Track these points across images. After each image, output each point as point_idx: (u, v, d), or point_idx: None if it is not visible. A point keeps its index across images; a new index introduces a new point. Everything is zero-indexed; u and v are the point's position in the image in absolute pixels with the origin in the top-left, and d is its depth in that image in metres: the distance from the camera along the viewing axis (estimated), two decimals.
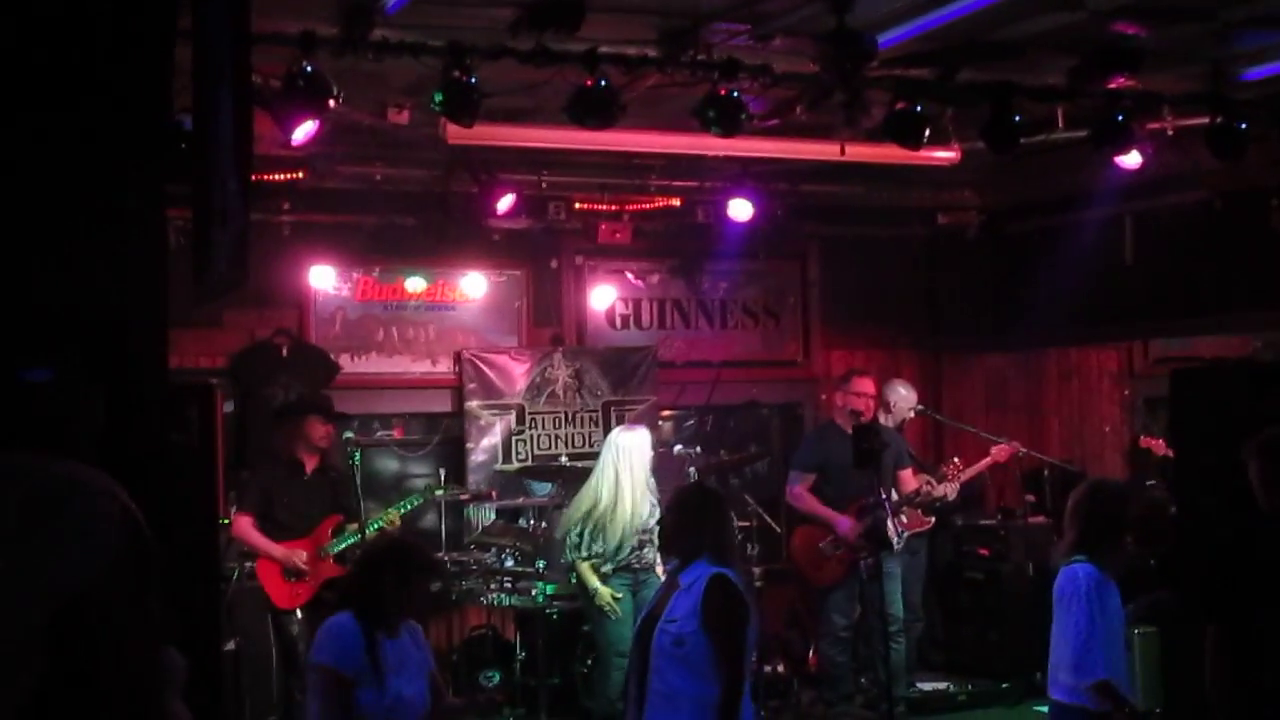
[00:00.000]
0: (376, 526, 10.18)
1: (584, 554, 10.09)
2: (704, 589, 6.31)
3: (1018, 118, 9.03)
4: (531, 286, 13.28)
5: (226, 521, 10.58)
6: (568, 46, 8.02)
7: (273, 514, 10.31)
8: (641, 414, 12.82)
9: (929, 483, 11.33)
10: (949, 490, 11.53)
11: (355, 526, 10.21)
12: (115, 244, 4.59)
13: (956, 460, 11.45)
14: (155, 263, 4.74)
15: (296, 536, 10.29)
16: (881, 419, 11.68)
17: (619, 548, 9.94)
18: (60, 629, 1.55)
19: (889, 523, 10.71)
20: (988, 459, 11.78)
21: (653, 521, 9.77)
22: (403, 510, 10.56)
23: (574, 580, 10.39)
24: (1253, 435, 6.43)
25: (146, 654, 1.68)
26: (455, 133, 8.97)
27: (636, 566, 10.04)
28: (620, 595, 9.99)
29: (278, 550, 10.20)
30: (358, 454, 10.33)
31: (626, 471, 10.01)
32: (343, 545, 10.27)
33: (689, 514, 6.70)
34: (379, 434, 12.60)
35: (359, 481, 10.41)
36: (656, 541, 8.69)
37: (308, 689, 6.15)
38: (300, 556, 10.18)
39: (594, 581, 10.06)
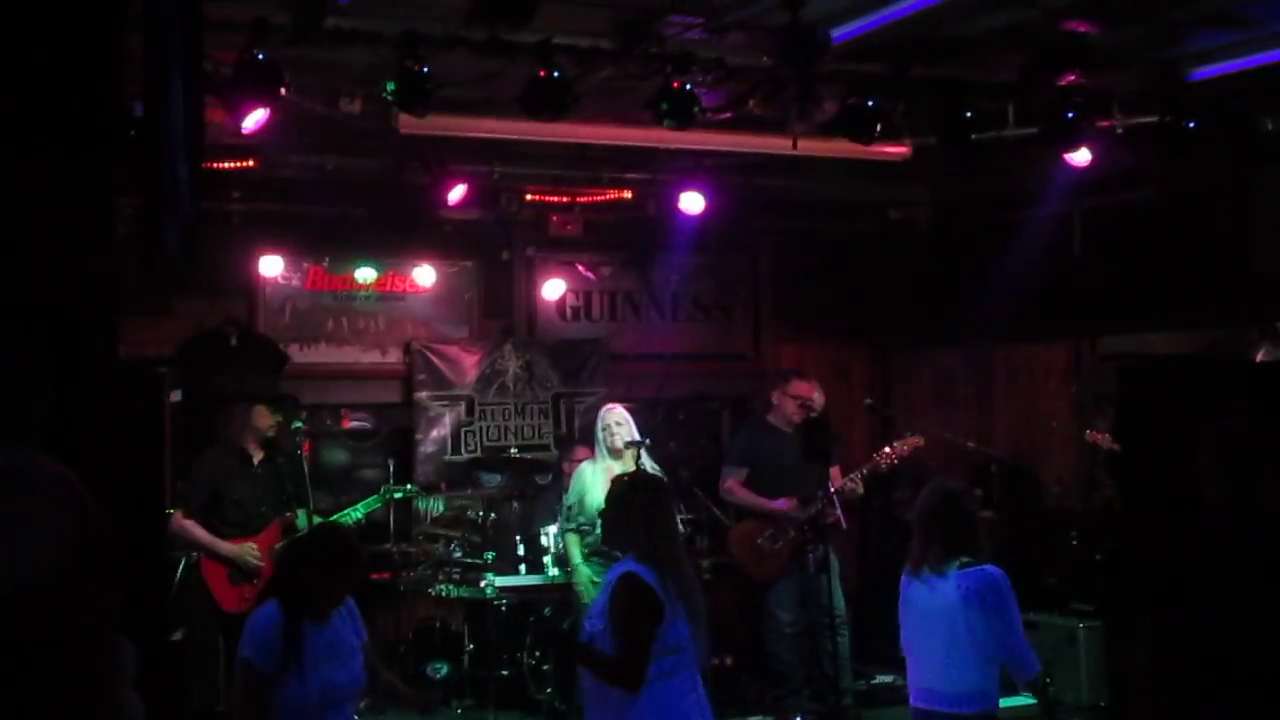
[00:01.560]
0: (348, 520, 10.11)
1: (571, 522, 10.14)
2: (611, 588, 6.30)
3: (969, 114, 9.08)
4: (482, 277, 13.27)
5: (173, 511, 10.51)
6: (521, 38, 8.01)
7: (220, 510, 10.06)
8: (591, 406, 12.82)
9: (852, 478, 11.20)
10: (848, 483, 11.31)
11: (305, 517, 10.04)
12: (64, 230, 4.56)
13: (888, 449, 11.30)
14: (104, 249, 4.71)
15: (246, 534, 10.07)
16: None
17: (594, 524, 9.89)
18: (9, 620, 1.53)
19: (836, 510, 10.70)
20: (888, 454, 11.47)
21: None
22: (358, 515, 10.47)
23: (524, 570, 10.41)
24: (1202, 429, 6.48)
25: (99, 644, 1.67)
26: (407, 123, 8.94)
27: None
28: (598, 581, 9.97)
29: (227, 547, 9.95)
30: (303, 444, 10.23)
31: (601, 446, 10.07)
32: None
33: (617, 509, 6.62)
34: (328, 424, 12.54)
35: (307, 472, 10.32)
36: None
37: (238, 680, 6.09)
38: (252, 551, 9.96)
39: (576, 557, 10.10)
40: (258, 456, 10.25)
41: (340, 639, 6.17)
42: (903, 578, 6.83)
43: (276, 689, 5.87)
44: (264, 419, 10.25)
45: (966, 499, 7.03)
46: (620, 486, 6.87)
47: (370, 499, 10.68)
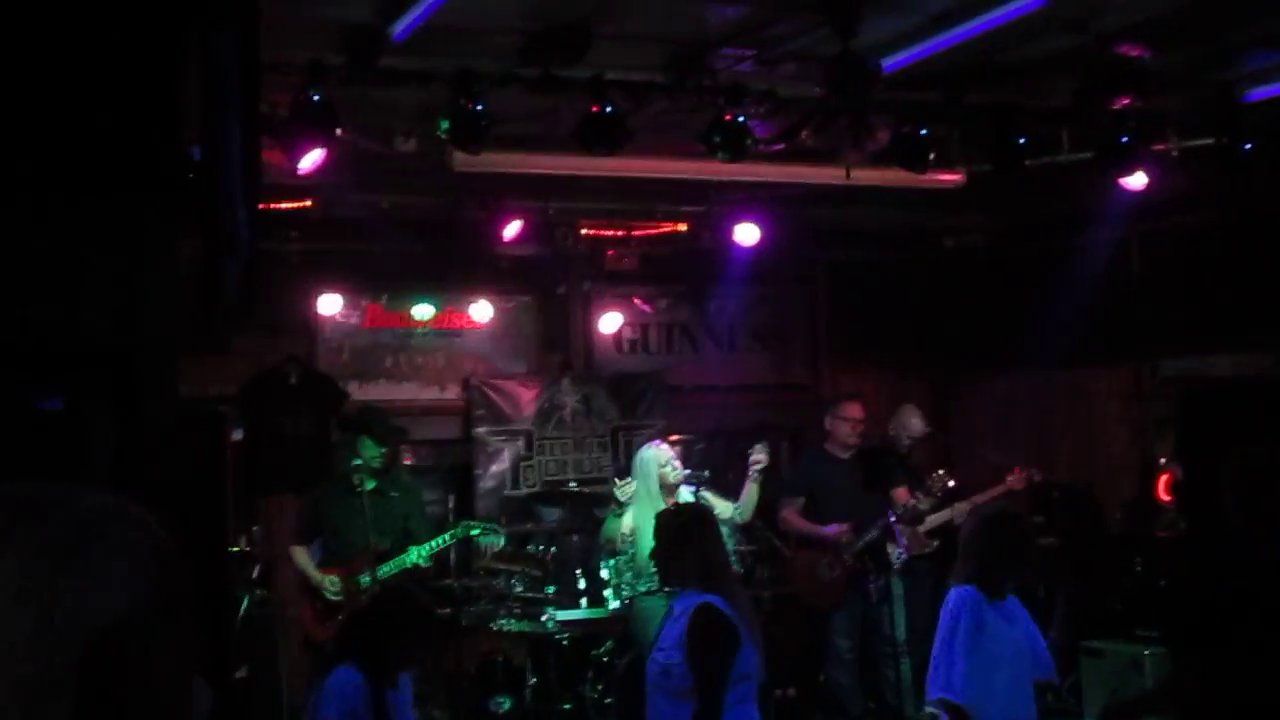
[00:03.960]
0: (411, 561, 10.12)
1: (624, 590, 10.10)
2: (689, 619, 6.30)
3: (1023, 139, 9.06)
4: (539, 312, 13.31)
5: (236, 549, 10.59)
6: (574, 74, 8.06)
7: (325, 538, 10.25)
8: (650, 440, 12.82)
9: (916, 497, 11.19)
10: (955, 515, 11.46)
11: (415, 553, 10.12)
12: (126, 274, 4.62)
13: (941, 472, 11.28)
14: (167, 292, 4.77)
15: (337, 563, 10.14)
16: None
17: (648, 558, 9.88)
18: (93, 662, 1.56)
19: (896, 537, 10.65)
20: (1002, 486, 11.63)
21: None
22: (435, 549, 10.48)
23: (586, 604, 10.39)
24: (1227, 455, 6.44)
25: (179, 685, 1.70)
26: (462, 160, 8.99)
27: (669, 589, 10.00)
28: (655, 616, 9.94)
29: (313, 574, 10.10)
30: (369, 481, 10.22)
31: (642, 483, 10.02)
32: (379, 575, 10.06)
33: (671, 541, 6.67)
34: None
35: (423, 505, 10.57)
36: None
37: None
38: (332, 583, 10.00)
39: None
40: (368, 487, 10.19)
41: (405, 699, 6.27)
42: (972, 594, 6.81)
43: None
44: (370, 449, 10.23)
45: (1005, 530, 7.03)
46: (671, 519, 6.91)
47: (444, 534, 10.64)
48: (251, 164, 4.66)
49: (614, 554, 10.30)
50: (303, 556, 10.16)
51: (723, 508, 9.88)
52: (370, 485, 10.18)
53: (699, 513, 7.42)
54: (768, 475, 13.15)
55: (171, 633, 1.65)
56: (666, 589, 7.11)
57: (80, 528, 1.59)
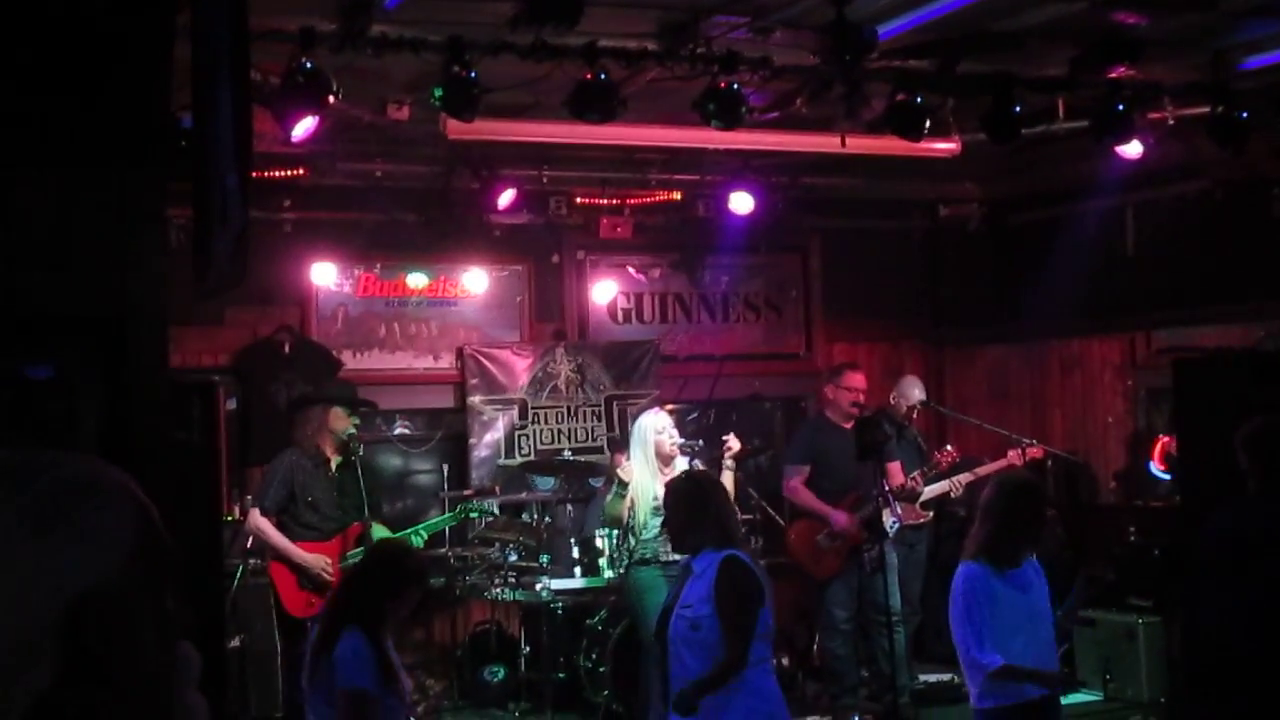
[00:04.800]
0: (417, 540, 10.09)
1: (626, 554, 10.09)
2: (716, 571, 6.37)
3: (1018, 108, 9.04)
4: (533, 281, 13.28)
5: (230, 519, 10.53)
6: (567, 41, 8.02)
7: (295, 511, 9.85)
8: (644, 409, 12.80)
9: (914, 478, 11.27)
10: (952, 488, 11.52)
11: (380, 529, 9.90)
12: (116, 242, 4.60)
13: (949, 448, 11.39)
14: (156, 260, 4.75)
15: (318, 539, 9.87)
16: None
17: (644, 526, 9.86)
18: (73, 627, 1.56)
19: (885, 513, 10.66)
20: (1003, 461, 11.65)
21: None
22: (434, 529, 10.44)
23: (580, 574, 10.41)
24: (1239, 425, 6.46)
25: (162, 650, 1.69)
26: (456, 128, 8.96)
27: (668, 560, 9.98)
28: (650, 586, 9.94)
29: (301, 555, 9.73)
30: (360, 448, 10.13)
31: (639, 450, 9.97)
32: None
33: (685, 507, 6.79)
34: (382, 430, 12.55)
35: (379, 480, 10.39)
36: None
37: (342, 712, 6.16)
38: (325, 564, 9.74)
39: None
40: (335, 461, 10.02)
41: (394, 652, 6.34)
42: (979, 570, 6.84)
43: (380, 711, 6.05)
44: (340, 421, 10.03)
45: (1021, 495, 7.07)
46: (684, 484, 7.01)
47: (445, 516, 10.61)
48: (243, 131, 4.63)
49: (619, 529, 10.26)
50: (271, 530, 9.84)
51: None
52: (339, 460, 10.05)
53: (712, 479, 7.54)
54: (768, 444, 13.21)
55: (154, 598, 1.64)
56: (680, 554, 7.15)
57: (62, 494, 1.58)
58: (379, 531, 9.80)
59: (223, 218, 4.46)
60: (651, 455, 9.90)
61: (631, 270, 13.71)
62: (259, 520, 9.86)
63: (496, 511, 11.51)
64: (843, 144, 9.95)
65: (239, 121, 4.68)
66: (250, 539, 10.42)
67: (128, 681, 1.59)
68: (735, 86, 8.34)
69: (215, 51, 4.73)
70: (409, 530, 10.22)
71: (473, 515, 10.95)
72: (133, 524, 1.64)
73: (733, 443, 9.95)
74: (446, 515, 10.61)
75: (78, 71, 4.57)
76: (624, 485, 9.99)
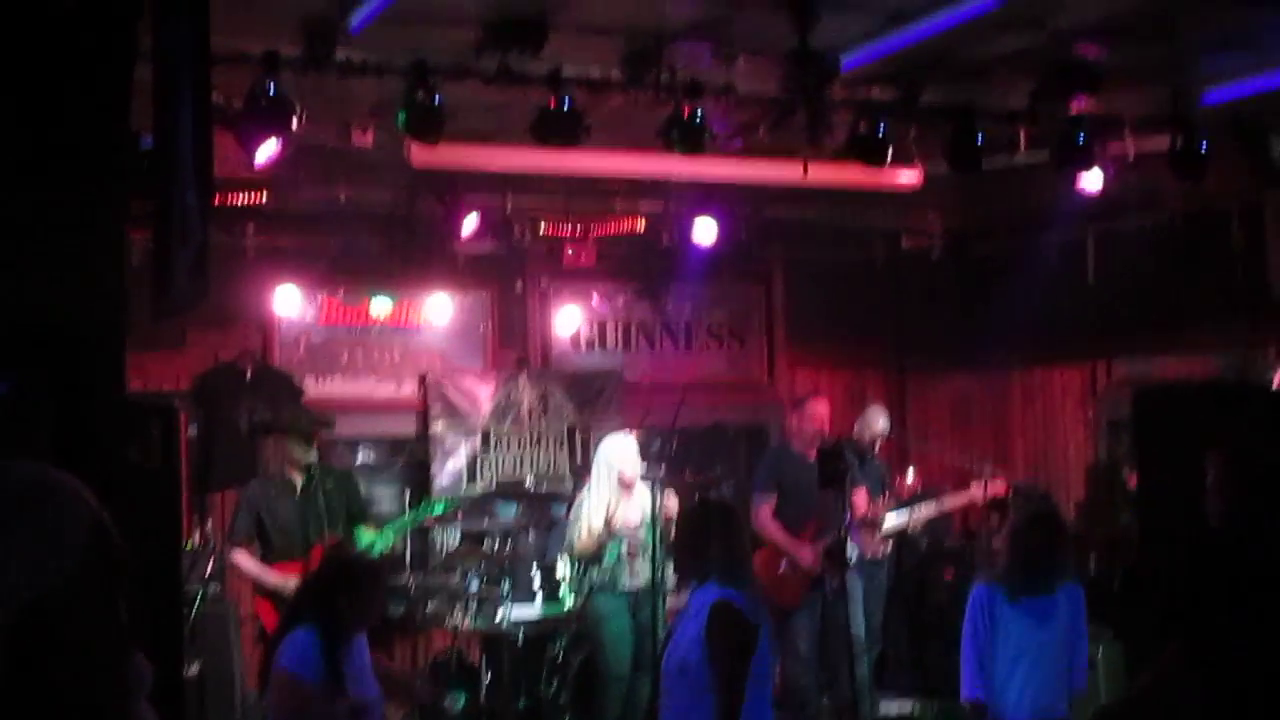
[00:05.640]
0: (379, 549, 10.02)
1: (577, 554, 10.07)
2: (706, 617, 6.24)
3: (980, 139, 9.08)
4: (497, 309, 13.27)
5: (190, 545, 10.50)
6: (531, 67, 8.04)
7: (265, 537, 9.92)
8: (610, 433, 12.78)
9: (876, 506, 11.27)
10: (913, 521, 11.52)
11: (365, 535, 9.96)
12: (74, 260, 4.57)
13: (910, 475, 11.40)
14: (114, 279, 4.73)
15: (289, 559, 9.84)
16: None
17: (600, 553, 9.83)
18: (22, 633, 1.54)
19: (853, 537, 10.67)
20: (964, 496, 11.67)
21: (642, 532, 9.70)
22: (398, 530, 10.38)
23: (541, 601, 10.37)
24: (1211, 451, 6.46)
25: (113, 659, 1.68)
26: (420, 154, 8.97)
27: (629, 588, 9.95)
28: (610, 614, 9.92)
29: (271, 579, 9.75)
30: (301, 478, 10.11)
31: (603, 474, 9.96)
32: None
33: (692, 534, 6.59)
34: (344, 457, 12.50)
35: (359, 488, 10.39)
36: (646, 555, 8.74)
37: (272, 693, 6.18)
38: (292, 583, 9.56)
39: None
40: (299, 483, 10.01)
41: (363, 658, 6.30)
42: (986, 594, 6.94)
43: (314, 707, 5.97)
44: (298, 450, 10.07)
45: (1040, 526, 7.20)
46: (693, 511, 6.90)
47: (408, 515, 10.55)
48: (203, 150, 4.62)
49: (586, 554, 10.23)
50: (248, 560, 9.92)
51: (671, 506, 9.82)
52: (303, 480, 10.07)
53: (721, 507, 7.30)
54: (731, 473, 13.18)
55: (107, 604, 1.63)
56: (681, 585, 7.06)
57: (15, 499, 1.57)
58: (365, 538, 9.88)
59: (182, 236, 4.45)
60: (615, 480, 9.90)
61: (595, 298, 13.72)
62: (235, 555, 9.94)
63: (458, 500, 11.48)
64: (805, 172, 9.97)
65: (199, 140, 4.67)
66: (208, 568, 10.43)
67: (77, 687, 1.59)
68: (699, 114, 8.37)
69: (177, 70, 4.73)
70: (377, 534, 10.14)
71: (437, 510, 10.89)
72: (85, 529, 1.63)
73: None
74: (412, 513, 10.53)
75: (38, 89, 4.55)
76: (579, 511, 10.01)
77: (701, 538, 6.48)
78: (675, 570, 7.32)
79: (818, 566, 10.84)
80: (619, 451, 10.05)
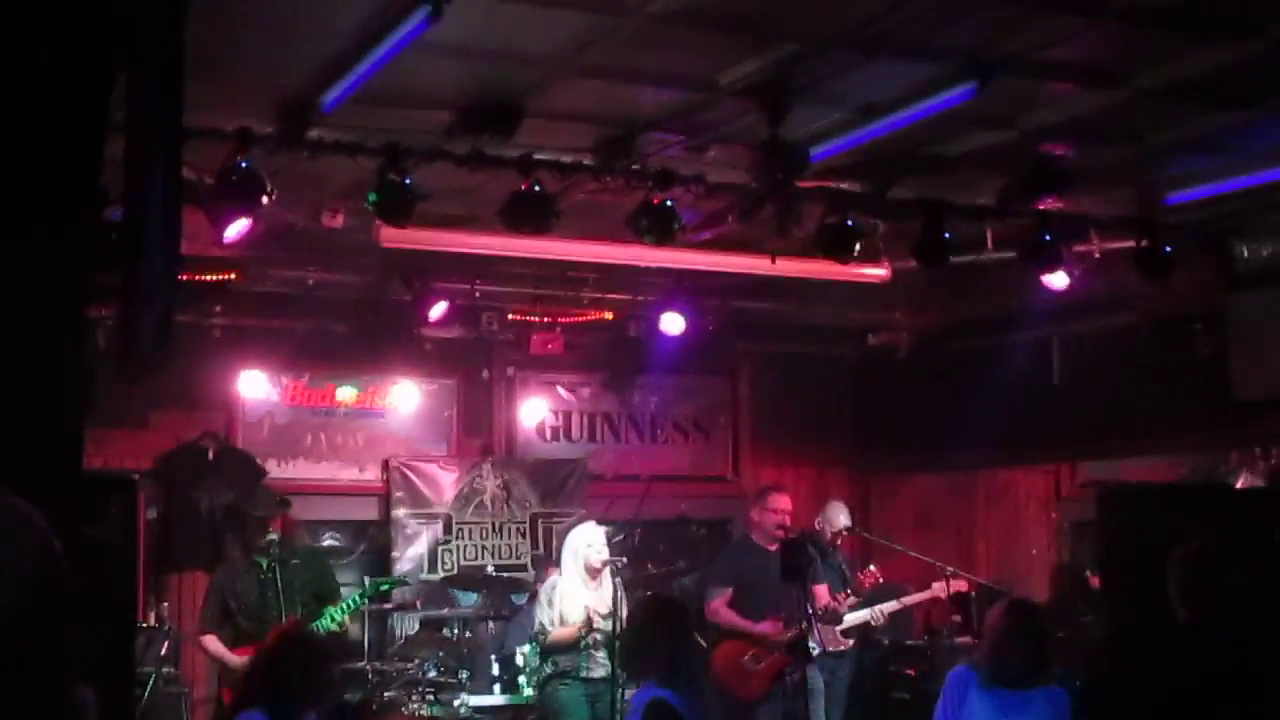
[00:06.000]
0: (327, 625, 9.93)
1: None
2: (640, 715, 6.19)
3: (948, 235, 9.14)
4: (462, 396, 13.26)
5: (145, 625, 10.41)
6: (504, 151, 8.07)
7: (234, 621, 9.86)
8: (570, 527, 12.73)
9: (837, 598, 11.22)
10: (874, 616, 11.47)
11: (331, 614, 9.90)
12: (32, 331, 4.53)
13: (872, 568, 11.33)
14: (76, 355, 4.69)
15: (253, 641, 9.70)
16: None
17: (578, 643, 9.76)
18: None
19: (814, 631, 10.61)
20: (927, 594, 11.65)
21: (600, 621, 9.63)
22: (350, 610, 10.29)
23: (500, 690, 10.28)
24: (1172, 550, 6.45)
25: (58, 685, 1.64)
26: (389, 235, 8.99)
27: (588, 675, 9.85)
28: (569, 703, 9.81)
29: (233, 660, 9.65)
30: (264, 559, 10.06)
31: (570, 562, 9.93)
32: None
33: (640, 630, 6.55)
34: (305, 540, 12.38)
35: (326, 566, 10.38)
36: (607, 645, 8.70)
37: None
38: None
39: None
40: (264, 563, 9.94)
41: None
42: (963, 674, 6.91)
43: None
44: (258, 534, 10.05)
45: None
46: (643, 609, 6.81)
47: (355, 593, 10.42)
48: (173, 217, 4.60)
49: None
50: (215, 645, 9.84)
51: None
52: (266, 562, 9.98)
53: (671, 605, 7.17)
54: (693, 566, 13.10)
55: (50, 632, 1.60)
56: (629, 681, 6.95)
57: None
58: (324, 618, 9.83)
59: (148, 302, 4.42)
60: (581, 568, 9.86)
61: (561, 388, 13.73)
62: (204, 641, 9.88)
63: (407, 581, 11.49)
64: (773, 262, 10.01)
65: (169, 207, 4.65)
66: (162, 650, 10.34)
67: (20, 712, 1.55)
68: (669, 203, 8.40)
69: (149, 137, 4.72)
70: (322, 616, 10.03)
71: (383, 589, 10.78)
72: (34, 554, 1.60)
73: None
74: (356, 595, 10.38)
75: (4, 159, 4.53)
76: (551, 598, 9.94)
77: (646, 635, 6.43)
78: (622, 664, 7.26)
79: (779, 638, 10.71)
80: (586, 539, 10.02)
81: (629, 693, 9.00)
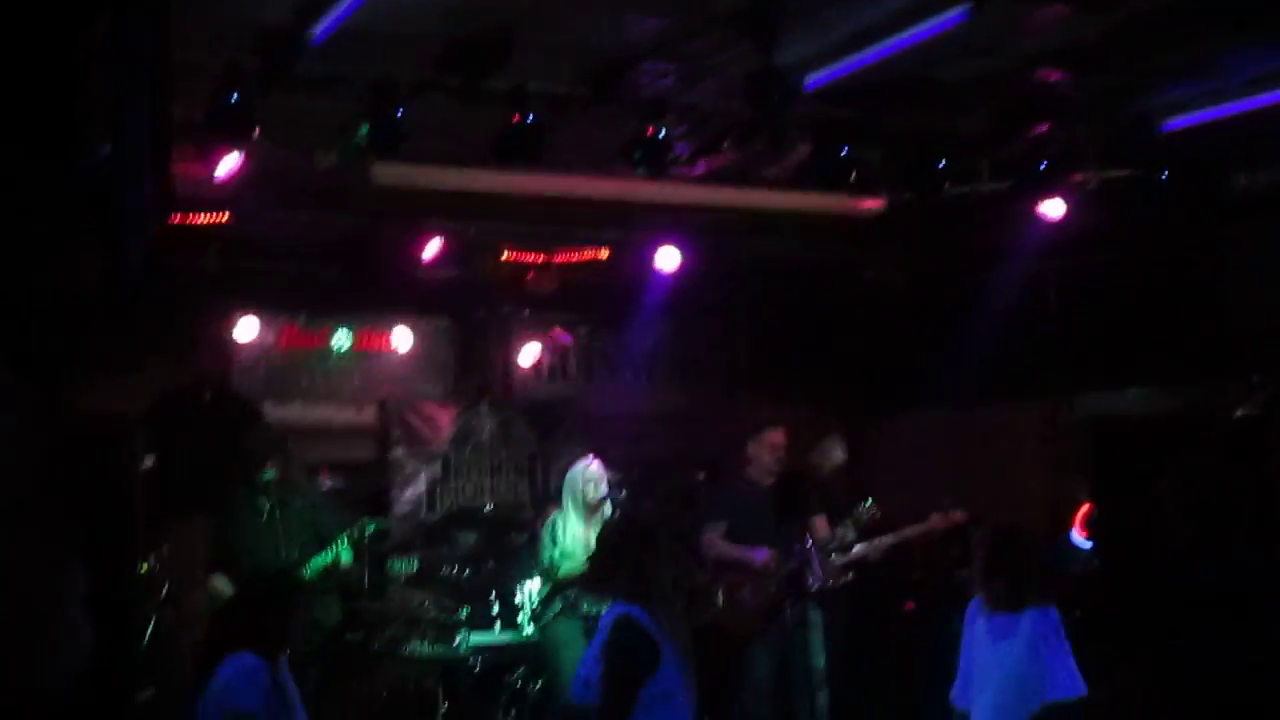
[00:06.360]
0: (323, 562, 9.97)
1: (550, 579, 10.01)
2: (607, 631, 6.20)
3: (943, 164, 9.10)
4: (458, 336, 13.26)
5: (144, 568, 10.44)
6: (495, 84, 8.02)
7: (238, 561, 9.90)
8: (567, 466, 12.73)
9: (841, 526, 11.19)
10: (871, 551, 11.44)
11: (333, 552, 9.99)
12: (22, 277, 4.52)
13: (868, 503, 11.27)
14: (66, 292, 4.68)
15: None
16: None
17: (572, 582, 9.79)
18: None
19: (813, 565, 10.59)
20: (924, 526, 11.61)
21: None
22: (336, 553, 10.30)
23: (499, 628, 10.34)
24: (1170, 468, 6.45)
25: (49, 560, 1.64)
26: (382, 173, 8.95)
27: (585, 611, 9.88)
28: (568, 640, 9.85)
29: None
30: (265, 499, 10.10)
31: (570, 498, 9.98)
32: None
33: (607, 553, 6.55)
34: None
35: (325, 504, 10.51)
36: None
37: None
38: None
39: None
40: (265, 505, 10.12)
41: (292, 683, 6.25)
42: (973, 605, 7.05)
43: None
44: (256, 471, 10.14)
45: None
46: (611, 531, 6.81)
47: (342, 537, 10.40)
48: (160, 143, 4.59)
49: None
50: (224, 583, 9.89)
51: None
52: (268, 503, 10.07)
53: (641, 527, 7.21)
54: (690, 505, 13.11)
55: (39, 508, 1.59)
56: (598, 601, 6.97)
57: None
58: (324, 555, 9.95)
59: (138, 226, 4.41)
60: (580, 504, 9.90)
61: (557, 328, 13.70)
62: (214, 579, 9.92)
63: (384, 524, 11.50)
64: (767, 197, 9.97)
65: (156, 136, 4.64)
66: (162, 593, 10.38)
67: (10, 589, 1.54)
68: (662, 133, 8.37)
69: (135, 65, 4.69)
70: (317, 559, 10.05)
71: (368, 531, 10.77)
72: (17, 419, 1.59)
73: None
74: (343, 535, 10.34)
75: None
76: (554, 535, 9.98)
77: (613, 554, 6.43)
78: (588, 584, 7.28)
79: (773, 569, 10.70)
80: (585, 476, 10.06)
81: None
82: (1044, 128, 9.17)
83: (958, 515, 11.64)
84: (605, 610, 6.41)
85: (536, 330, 13.58)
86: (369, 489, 12.70)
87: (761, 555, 10.76)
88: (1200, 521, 6.31)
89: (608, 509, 9.86)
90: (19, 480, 1.38)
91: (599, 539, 6.79)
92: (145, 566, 10.48)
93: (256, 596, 6.41)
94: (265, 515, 10.05)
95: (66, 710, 4.48)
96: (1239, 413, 11.08)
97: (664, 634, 6.11)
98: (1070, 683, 6.89)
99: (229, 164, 8.11)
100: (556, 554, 10.01)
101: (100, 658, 5.83)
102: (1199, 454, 7.06)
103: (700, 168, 9.63)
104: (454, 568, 11.72)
